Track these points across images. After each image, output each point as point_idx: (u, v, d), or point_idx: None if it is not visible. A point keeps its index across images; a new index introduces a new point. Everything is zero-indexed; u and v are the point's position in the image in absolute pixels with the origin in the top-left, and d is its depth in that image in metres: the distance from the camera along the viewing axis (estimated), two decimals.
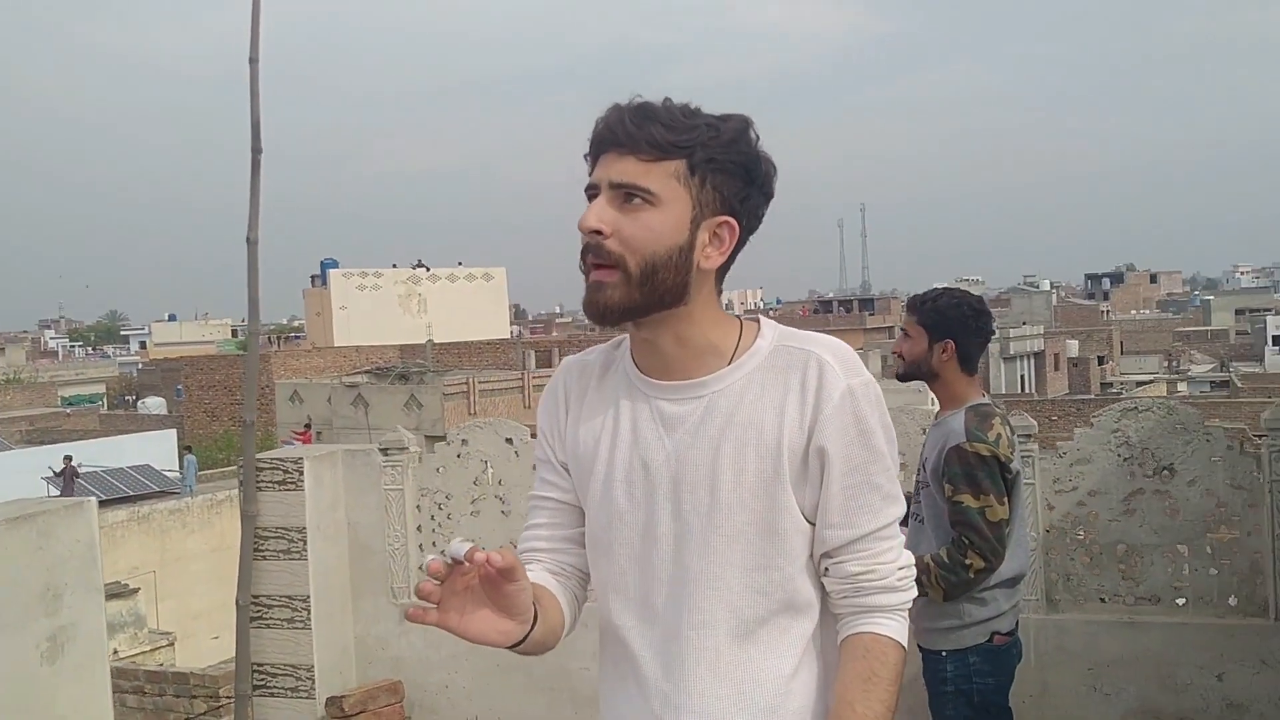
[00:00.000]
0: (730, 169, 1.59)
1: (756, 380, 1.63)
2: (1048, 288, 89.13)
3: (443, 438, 5.86)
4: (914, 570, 1.68)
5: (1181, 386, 43.03)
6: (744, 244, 1.66)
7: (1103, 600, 4.80)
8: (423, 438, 6.14)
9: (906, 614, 1.66)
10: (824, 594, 1.67)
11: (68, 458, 23.31)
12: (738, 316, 1.71)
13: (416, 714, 5.61)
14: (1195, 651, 4.62)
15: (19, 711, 3.98)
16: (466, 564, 1.43)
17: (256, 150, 5.52)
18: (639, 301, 1.58)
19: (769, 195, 1.65)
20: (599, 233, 1.57)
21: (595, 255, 1.57)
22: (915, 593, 1.67)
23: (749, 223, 1.64)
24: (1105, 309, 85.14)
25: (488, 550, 1.44)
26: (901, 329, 3.57)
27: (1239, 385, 35.08)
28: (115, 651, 10.30)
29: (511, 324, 64.41)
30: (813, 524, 1.63)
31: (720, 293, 1.69)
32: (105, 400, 52.02)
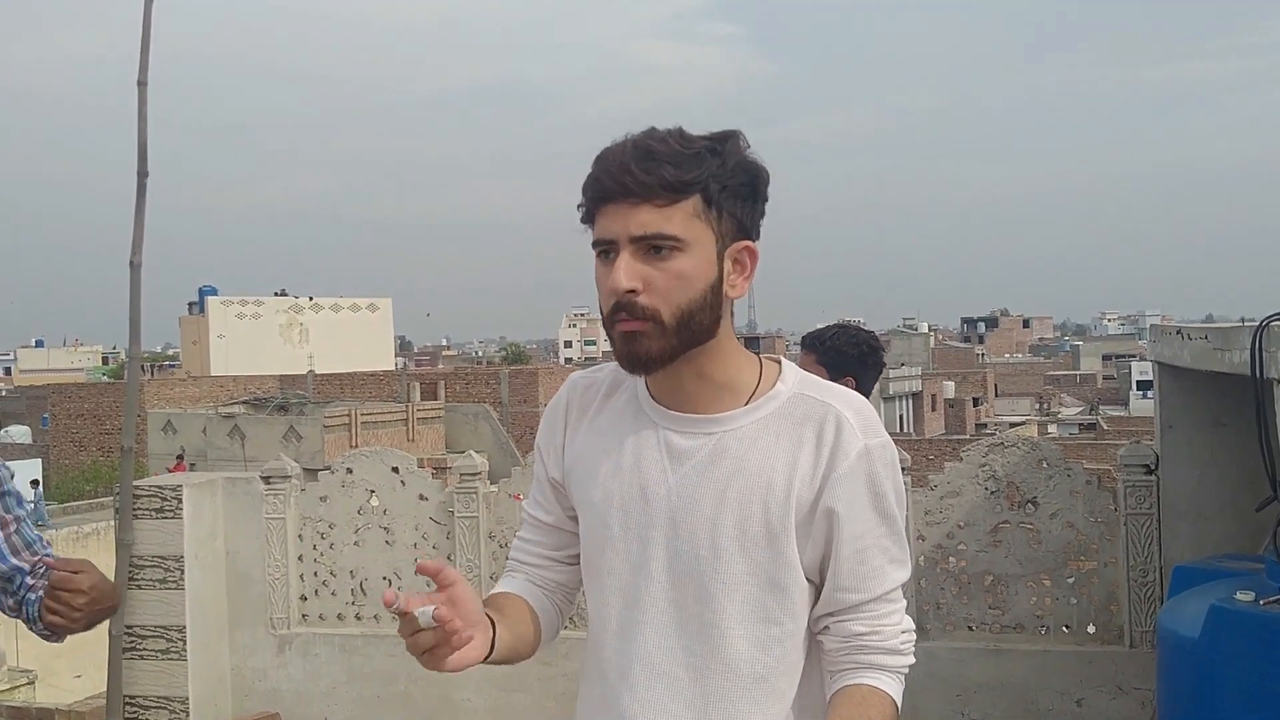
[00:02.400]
0: (740, 191, 1.54)
1: (771, 427, 1.58)
2: (926, 330, 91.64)
3: (324, 470, 5.81)
4: (914, 635, 1.64)
5: (1052, 428, 44.53)
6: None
7: (970, 628, 5.00)
8: (302, 471, 6.07)
9: (903, 678, 1.62)
10: (811, 650, 1.63)
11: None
12: (758, 355, 1.66)
13: None
14: (1057, 678, 4.84)
15: None
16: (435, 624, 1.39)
17: (143, 174, 5.44)
18: (677, 347, 1.53)
19: (766, 202, 1.60)
20: (632, 291, 1.50)
21: (628, 313, 1.51)
22: (913, 659, 1.63)
23: (757, 238, 1.59)
24: (980, 352, 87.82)
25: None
26: (801, 366, 3.59)
27: (1105, 428, 36.52)
28: None
29: (396, 356, 63.56)
30: (810, 581, 1.59)
31: (732, 319, 1.64)
32: None
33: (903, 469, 4.33)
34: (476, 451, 5.79)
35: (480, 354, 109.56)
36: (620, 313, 1.51)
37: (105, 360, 70.75)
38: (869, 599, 1.58)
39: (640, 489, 1.61)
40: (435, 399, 36.35)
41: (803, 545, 1.57)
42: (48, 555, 2.35)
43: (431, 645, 1.41)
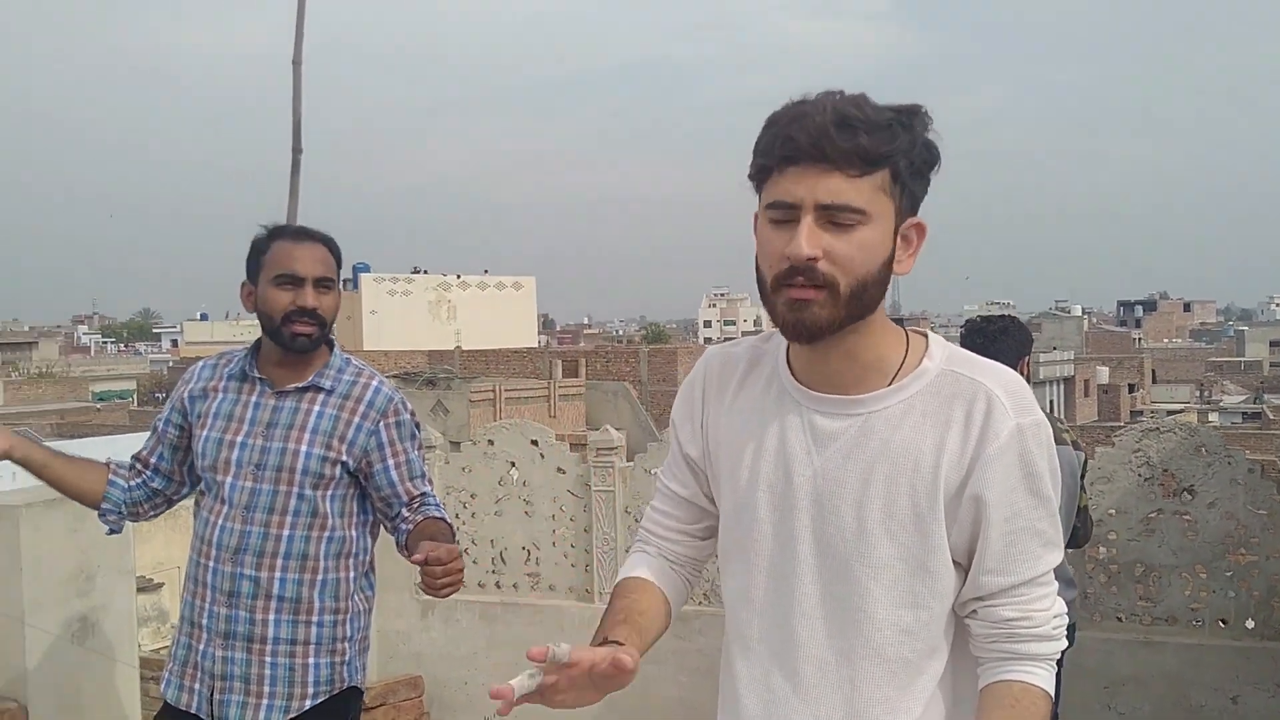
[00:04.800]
0: (923, 170, 1.51)
1: (918, 406, 1.53)
2: (1079, 313, 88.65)
3: (468, 442, 5.93)
4: (1066, 619, 1.58)
5: (1213, 417, 42.60)
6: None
7: (1120, 619, 4.82)
8: (448, 443, 6.22)
9: (1055, 664, 1.57)
10: (958, 632, 1.60)
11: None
12: (904, 328, 1.61)
13: (436, 709, 5.67)
14: (1211, 673, 4.63)
15: (48, 690, 4.06)
16: (570, 663, 1.42)
17: (297, 150, 5.64)
18: (844, 319, 1.49)
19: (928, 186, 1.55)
20: (817, 258, 1.46)
21: (807, 278, 1.46)
22: (1066, 643, 1.58)
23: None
24: (1137, 336, 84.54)
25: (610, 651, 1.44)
26: None
27: (1271, 416, 34.78)
28: (139, 645, 10.41)
29: (539, 333, 64.60)
30: (957, 564, 1.55)
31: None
32: (135, 396, 52.50)
33: None
34: (615, 428, 5.84)
35: (620, 333, 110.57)
36: (796, 277, 1.47)
37: None
38: (1019, 582, 1.53)
39: (785, 471, 1.58)
40: (576, 376, 36.87)
41: (950, 527, 1.53)
42: (429, 501, 2.72)
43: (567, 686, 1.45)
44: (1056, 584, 1.59)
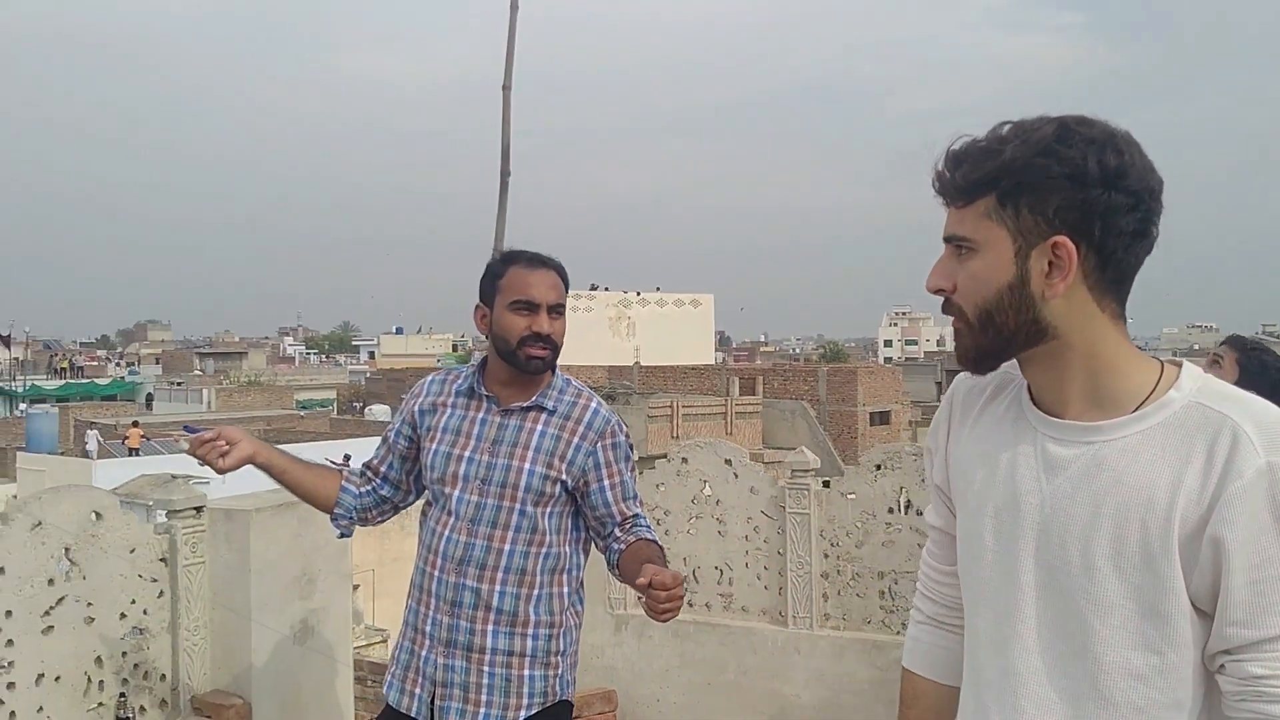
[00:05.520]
0: (1047, 184, 1.44)
1: (1157, 439, 1.46)
2: None
3: (660, 458, 5.99)
4: None
5: None
6: (1116, 253, 1.46)
7: None
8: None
9: None
10: (1209, 687, 1.49)
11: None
12: (1159, 359, 1.54)
13: None
14: None
15: (271, 688, 4.28)
16: None
17: (505, 173, 5.82)
18: (986, 347, 1.53)
19: (1132, 190, 1.44)
20: (943, 289, 1.54)
21: (948, 310, 1.55)
22: None
23: (1105, 229, 1.44)
24: None
25: None
26: (1216, 355, 3.61)
27: None
28: None
29: (716, 350, 64.74)
30: (1201, 610, 1.45)
31: (1124, 320, 1.52)
32: (335, 405, 54.88)
33: None
34: (806, 450, 5.80)
35: (798, 351, 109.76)
36: (946, 310, 1.55)
37: (455, 347, 76.30)
38: (1269, 637, 1.41)
39: (1013, 497, 1.54)
40: (753, 394, 36.75)
41: (1189, 571, 1.43)
42: (640, 522, 2.78)
43: None
44: None
